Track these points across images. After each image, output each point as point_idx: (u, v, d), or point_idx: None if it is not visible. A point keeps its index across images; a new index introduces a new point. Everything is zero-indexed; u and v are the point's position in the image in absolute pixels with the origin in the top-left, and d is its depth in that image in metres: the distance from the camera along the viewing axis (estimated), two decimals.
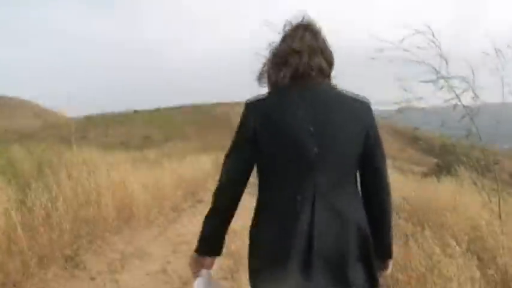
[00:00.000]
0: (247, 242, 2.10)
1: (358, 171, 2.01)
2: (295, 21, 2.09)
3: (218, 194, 2.17)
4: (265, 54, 2.10)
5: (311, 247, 1.83)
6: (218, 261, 2.22)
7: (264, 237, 1.99)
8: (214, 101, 78.32)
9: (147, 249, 6.70)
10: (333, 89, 2.02)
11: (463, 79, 4.04)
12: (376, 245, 1.99)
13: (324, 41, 2.07)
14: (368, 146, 1.98)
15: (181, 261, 6.08)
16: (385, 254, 2.12)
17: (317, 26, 2.08)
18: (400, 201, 6.79)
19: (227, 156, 2.10)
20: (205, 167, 19.46)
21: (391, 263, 2.18)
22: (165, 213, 9.65)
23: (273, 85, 2.04)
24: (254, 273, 2.03)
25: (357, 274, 1.90)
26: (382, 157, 2.04)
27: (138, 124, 61.08)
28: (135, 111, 77.77)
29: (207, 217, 2.18)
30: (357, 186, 2.03)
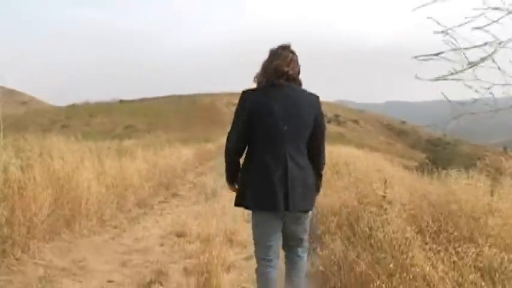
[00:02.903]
0: None
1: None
2: (278, 44, 3.42)
3: (226, 157, 3.48)
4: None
5: (287, 184, 3.20)
6: None
7: (255, 176, 3.30)
8: (201, 91, 77.43)
9: (87, 262, 5.19)
10: (297, 89, 3.38)
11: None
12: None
13: (296, 60, 3.41)
14: (316, 127, 3.36)
15: (128, 280, 4.62)
16: (317, 188, 3.59)
17: (292, 47, 3.42)
18: (422, 203, 5.34)
19: (229, 133, 3.39)
20: (185, 157, 18.08)
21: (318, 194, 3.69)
22: (127, 211, 8.16)
23: (260, 85, 3.39)
24: (244, 194, 3.38)
25: (312, 199, 3.44)
26: (322, 133, 3.43)
27: (122, 114, 60.12)
28: (121, 101, 77.07)
29: (226, 167, 3.53)
30: (306, 152, 3.40)
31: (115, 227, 6.95)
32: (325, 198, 7.08)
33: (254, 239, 3.50)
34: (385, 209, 4.64)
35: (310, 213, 3.49)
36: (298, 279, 3.53)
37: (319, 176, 3.52)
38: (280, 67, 3.27)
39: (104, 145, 18.04)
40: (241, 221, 7.58)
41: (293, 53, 3.38)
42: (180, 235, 6.51)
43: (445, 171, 6.98)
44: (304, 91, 3.38)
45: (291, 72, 3.29)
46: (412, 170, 10.83)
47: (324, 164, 3.54)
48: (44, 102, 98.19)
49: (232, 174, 3.52)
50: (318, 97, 3.38)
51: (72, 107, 70.10)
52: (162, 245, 6.14)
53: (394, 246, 3.97)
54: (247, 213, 8.49)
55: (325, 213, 6.32)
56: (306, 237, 3.56)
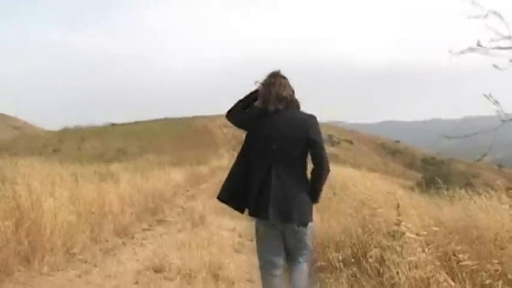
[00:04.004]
0: None
1: (309, 155, 3.68)
2: (269, 73, 3.78)
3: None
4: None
5: (269, 205, 3.50)
6: None
7: (250, 185, 3.67)
8: (194, 114, 77.21)
9: None
10: (290, 112, 3.69)
11: None
12: (312, 193, 3.67)
13: (288, 84, 3.76)
14: (312, 142, 3.61)
15: None
16: (314, 199, 3.71)
17: (281, 73, 3.78)
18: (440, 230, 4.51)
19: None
20: (176, 180, 17.31)
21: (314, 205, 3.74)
22: (103, 241, 7.30)
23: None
24: (227, 195, 3.84)
25: (301, 213, 3.55)
26: (321, 148, 3.65)
27: (114, 137, 59.48)
28: (113, 125, 76.70)
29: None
30: (302, 169, 3.69)
31: (85, 262, 6.08)
32: (323, 224, 6.28)
33: (256, 249, 3.86)
34: (402, 240, 3.84)
35: (309, 229, 3.68)
36: (299, 282, 3.70)
37: (318, 185, 3.71)
38: (277, 94, 3.65)
39: (91, 169, 17.29)
40: (230, 251, 6.76)
41: (284, 78, 3.77)
42: (158, 270, 5.66)
43: (448, 191, 6.23)
44: (299, 113, 3.75)
45: (281, 93, 3.65)
46: (412, 190, 10.03)
47: (327, 172, 3.69)
48: (37, 126, 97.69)
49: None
50: (313, 117, 3.71)
51: (65, 131, 69.63)
52: (136, 282, 5.31)
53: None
54: (237, 241, 7.76)
55: (325, 244, 5.49)
56: (306, 252, 3.74)
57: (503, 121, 2.45)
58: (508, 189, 5.98)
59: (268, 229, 3.64)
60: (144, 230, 8.91)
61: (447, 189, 6.45)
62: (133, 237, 8.00)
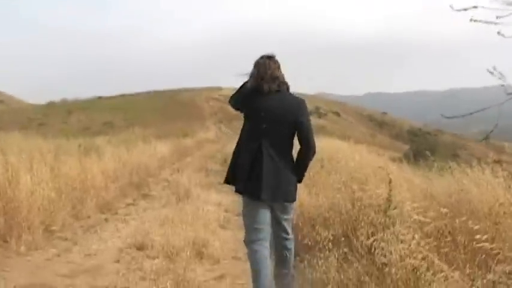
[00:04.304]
0: None
1: (296, 137, 3.81)
2: (262, 55, 3.88)
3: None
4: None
5: (260, 180, 3.62)
6: None
7: (239, 163, 3.79)
8: (181, 86, 76.69)
9: None
10: (282, 94, 3.81)
11: None
12: (297, 172, 3.84)
13: (279, 66, 3.87)
14: (300, 126, 3.77)
15: None
16: (300, 178, 3.91)
17: (275, 56, 3.89)
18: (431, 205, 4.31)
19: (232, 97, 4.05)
20: (162, 153, 17.07)
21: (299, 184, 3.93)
22: (85, 217, 7.08)
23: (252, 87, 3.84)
24: (231, 177, 3.88)
25: (283, 193, 3.73)
26: (309, 132, 3.81)
27: (100, 111, 58.95)
28: (99, 98, 76.18)
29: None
30: (289, 149, 3.82)
31: (65, 239, 5.86)
32: (311, 199, 6.08)
33: (244, 224, 3.90)
34: (390, 218, 3.66)
35: (293, 204, 3.95)
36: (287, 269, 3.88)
37: (304, 165, 3.93)
38: (272, 74, 3.77)
39: (75, 143, 16.98)
40: (215, 226, 6.57)
41: (275, 61, 3.88)
42: (140, 248, 5.46)
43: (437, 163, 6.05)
44: (290, 95, 3.88)
45: (275, 76, 3.78)
46: (400, 162, 9.85)
47: (313, 153, 3.89)
48: (23, 101, 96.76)
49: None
50: (302, 100, 3.91)
51: (51, 104, 69.00)
52: (117, 261, 5.09)
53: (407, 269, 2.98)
54: (223, 216, 7.57)
55: (312, 219, 5.30)
56: (290, 228, 3.94)
57: (508, 94, 2.24)
58: (495, 162, 5.83)
59: (258, 204, 3.72)
60: (128, 205, 8.71)
61: (434, 160, 6.28)
62: (116, 213, 7.80)
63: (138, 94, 74.64)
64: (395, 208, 3.86)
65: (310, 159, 3.93)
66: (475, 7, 2.06)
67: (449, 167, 5.58)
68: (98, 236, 6.16)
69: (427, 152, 6.87)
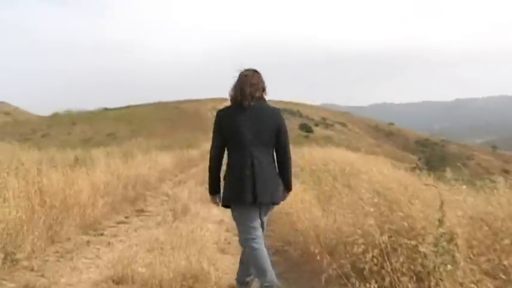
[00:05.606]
0: None
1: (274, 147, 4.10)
2: (244, 69, 4.12)
3: (210, 163, 4.16)
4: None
5: (255, 184, 3.89)
6: None
7: (231, 180, 4.03)
8: (185, 97, 77.22)
9: None
10: (261, 105, 4.04)
11: None
12: (283, 182, 4.15)
13: (261, 79, 4.11)
14: (279, 134, 4.04)
15: None
16: (287, 187, 4.22)
17: (258, 70, 4.14)
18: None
19: (211, 147, 4.16)
20: (163, 165, 16.13)
21: (288, 194, 4.31)
22: (64, 239, 6.10)
23: (232, 102, 4.07)
24: (226, 197, 4.08)
25: (271, 196, 4.02)
26: (286, 139, 4.10)
27: (105, 122, 58.72)
28: (105, 109, 76.48)
29: (209, 175, 4.20)
30: (273, 155, 4.10)
31: (31, 270, 4.86)
32: (328, 220, 5.07)
33: (237, 225, 4.14)
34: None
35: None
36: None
37: (287, 170, 4.18)
38: (251, 93, 4.01)
39: (72, 154, 16.06)
40: (213, 252, 5.56)
41: (258, 72, 4.15)
42: (119, 282, 4.44)
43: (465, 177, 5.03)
44: (267, 105, 4.14)
45: (255, 91, 4.03)
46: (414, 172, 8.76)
47: (290, 159, 4.18)
48: (29, 112, 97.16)
49: (214, 180, 4.22)
50: (278, 110, 4.23)
51: (55, 116, 69.08)
52: None
53: None
54: (223, 237, 6.59)
55: (332, 247, 4.28)
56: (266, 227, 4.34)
57: None
58: (505, 172, 4.86)
59: (250, 207, 3.97)
60: (119, 223, 7.75)
61: (464, 175, 5.25)
62: (102, 234, 6.81)
63: (143, 105, 74.47)
64: (451, 240, 2.81)
65: (290, 165, 4.18)
66: None
67: (492, 181, 4.51)
68: (73, 264, 5.15)
69: (447, 169, 5.82)
